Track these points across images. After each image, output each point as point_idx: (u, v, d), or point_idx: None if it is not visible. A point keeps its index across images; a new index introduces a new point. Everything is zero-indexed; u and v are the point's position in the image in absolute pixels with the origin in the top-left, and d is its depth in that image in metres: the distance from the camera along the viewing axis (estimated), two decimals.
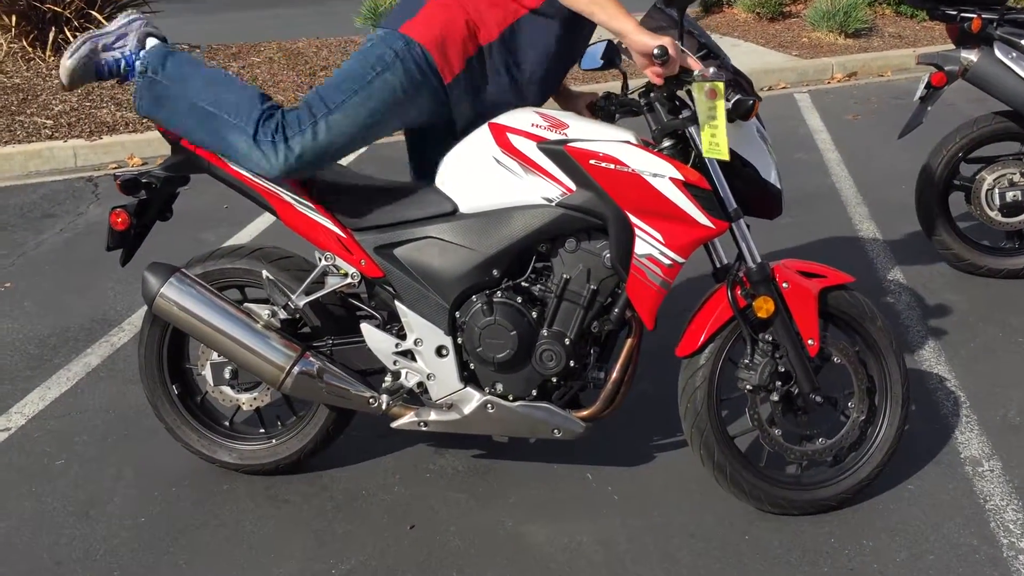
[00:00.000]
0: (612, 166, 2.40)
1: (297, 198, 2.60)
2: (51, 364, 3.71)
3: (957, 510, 2.67)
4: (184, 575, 2.55)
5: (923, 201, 4.13)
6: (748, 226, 2.51)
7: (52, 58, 7.69)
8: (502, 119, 2.50)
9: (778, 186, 2.52)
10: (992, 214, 4.04)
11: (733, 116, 2.35)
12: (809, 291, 2.51)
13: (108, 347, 3.82)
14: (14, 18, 7.72)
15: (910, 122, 4.15)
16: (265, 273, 2.75)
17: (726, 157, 2.31)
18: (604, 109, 2.73)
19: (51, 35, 7.75)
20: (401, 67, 2.45)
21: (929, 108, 4.09)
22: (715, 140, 2.29)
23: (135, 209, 2.73)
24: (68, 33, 7.80)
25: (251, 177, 2.61)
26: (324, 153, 2.48)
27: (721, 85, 2.26)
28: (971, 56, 3.90)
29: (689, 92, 2.38)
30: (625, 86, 2.78)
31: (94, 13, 7.85)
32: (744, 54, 8.59)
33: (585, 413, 2.62)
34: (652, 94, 2.50)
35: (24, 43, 7.80)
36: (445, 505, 2.78)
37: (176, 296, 2.68)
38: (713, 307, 2.56)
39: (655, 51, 2.28)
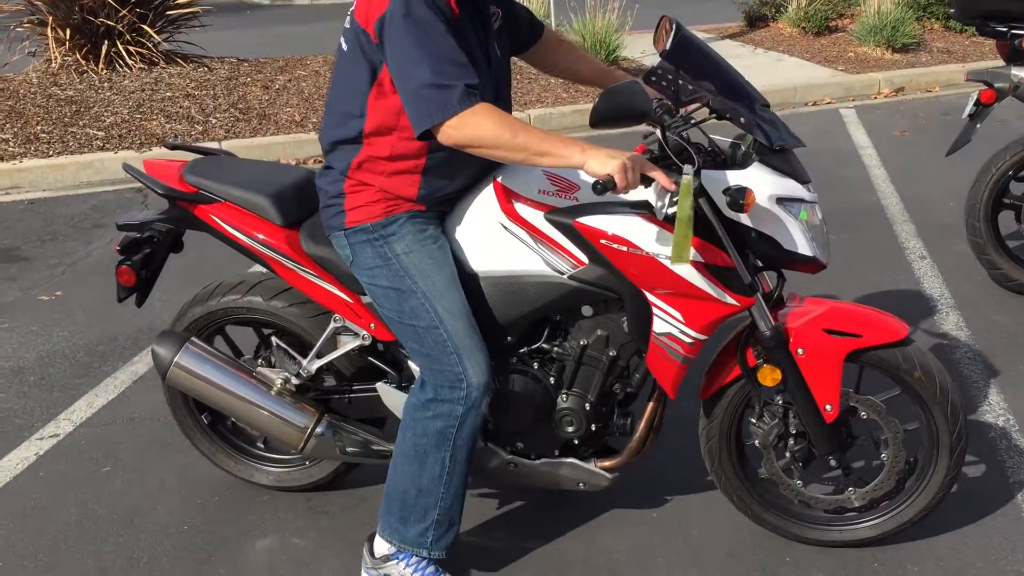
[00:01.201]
0: (624, 248, 2.24)
1: (300, 266, 2.54)
2: (99, 372, 3.78)
3: (1006, 539, 2.61)
4: None
5: (972, 220, 4.07)
6: (759, 283, 2.34)
7: (104, 71, 7.85)
8: (508, 180, 2.34)
9: (806, 253, 2.27)
10: None
11: (737, 205, 2.14)
12: (831, 356, 2.33)
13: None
14: (68, 32, 7.90)
15: (959, 139, 4.09)
16: (275, 340, 2.73)
17: (687, 261, 2.13)
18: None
19: (104, 48, 7.91)
20: (393, 252, 2.32)
21: (978, 126, 4.03)
22: (684, 243, 2.09)
23: (140, 262, 2.71)
24: (120, 47, 7.96)
25: (248, 241, 2.57)
26: (474, 336, 2.32)
27: (688, 182, 2.08)
28: (1022, 73, 3.84)
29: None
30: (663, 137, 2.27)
31: (146, 27, 8.00)
32: (788, 69, 8.52)
33: (610, 464, 2.54)
34: (653, 152, 2.27)
35: (78, 56, 7.97)
36: (481, 521, 2.78)
37: (191, 367, 2.66)
38: (729, 357, 2.46)
39: (596, 186, 2.05)
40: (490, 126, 2.08)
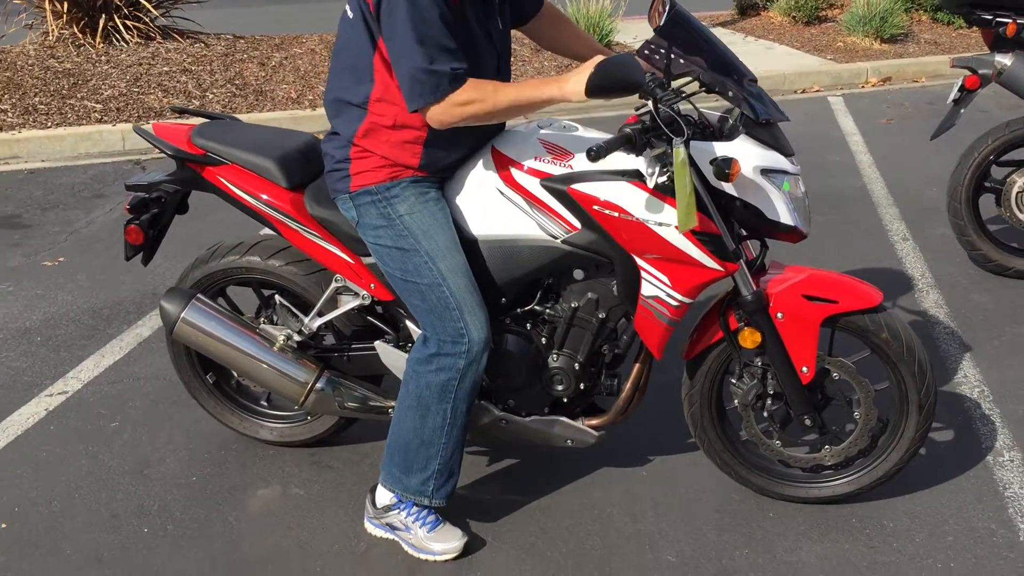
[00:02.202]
0: (615, 213, 2.35)
1: (303, 226, 2.64)
2: (105, 334, 3.87)
3: (976, 496, 2.75)
4: (233, 531, 2.69)
5: (953, 202, 4.20)
6: (747, 262, 2.46)
7: (101, 45, 7.89)
8: (505, 148, 2.46)
9: (788, 223, 2.40)
10: (1021, 216, 4.10)
11: (722, 174, 2.27)
12: (809, 320, 2.46)
13: (158, 320, 3.96)
14: (66, 4, 7.93)
15: (943, 124, 4.22)
16: (277, 299, 2.84)
17: (695, 224, 2.24)
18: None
19: (101, 22, 7.95)
20: (396, 213, 2.43)
21: (962, 111, 4.16)
22: (688, 208, 2.21)
23: (148, 221, 2.82)
24: (117, 21, 8.00)
25: (254, 202, 2.67)
26: (475, 294, 2.43)
27: (680, 151, 2.21)
28: (1005, 60, 3.97)
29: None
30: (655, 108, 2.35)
31: (143, 2, 8.04)
32: (778, 57, 8.65)
33: (597, 422, 2.66)
34: (645, 123, 2.32)
35: (75, 29, 8.00)
36: (477, 477, 2.90)
37: (197, 322, 2.77)
38: (712, 321, 2.59)
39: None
40: (474, 101, 2.24)
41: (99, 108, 6.90)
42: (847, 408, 2.63)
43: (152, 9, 8.13)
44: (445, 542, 2.53)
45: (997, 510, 2.69)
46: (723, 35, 9.80)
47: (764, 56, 8.69)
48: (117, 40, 7.99)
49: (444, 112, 2.26)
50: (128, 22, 8.06)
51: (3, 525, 2.73)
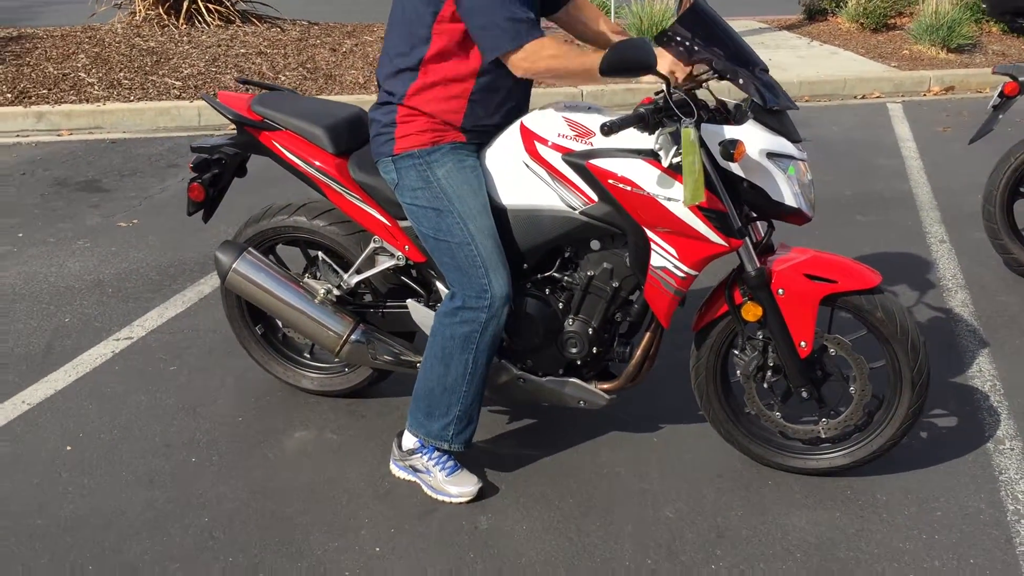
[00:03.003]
0: (629, 188, 2.53)
1: (346, 189, 2.88)
2: (169, 289, 4.18)
3: (971, 478, 2.88)
4: (271, 465, 2.95)
5: (988, 206, 4.28)
6: (752, 232, 2.65)
7: (184, 26, 8.31)
8: (532, 123, 2.65)
9: (792, 204, 2.56)
10: None
11: (728, 155, 2.45)
12: (808, 298, 2.61)
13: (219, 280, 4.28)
14: None
15: (982, 129, 4.30)
16: (320, 255, 3.09)
17: (702, 200, 2.40)
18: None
19: (185, 5, 8.38)
20: (435, 176, 2.64)
21: (1001, 116, 4.25)
22: (697, 185, 2.37)
23: (209, 180, 3.11)
24: (200, 4, 8.41)
25: (304, 165, 2.93)
26: (500, 255, 2.64)
27: (689, 131, 2.39)
28: None
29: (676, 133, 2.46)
30: (668, 90, 2.56)
31: None
32: (841, 62, 8.68)
33: (608, 387, 2.85)
34: (658, 104, 2.49)
35: (160, 11, 8.45)
36: (494, 434, 3.12)
37: (247, 272, 3.04)
38: (719, 295, 2.76)
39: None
40: (555, 54, 2.48)
41: (178, 85, 7.28)
42: (844, 384, 2.78)
43: None
44: (461, 486, 2.75)
45: (989, 492, 2.81)
46: (788, 39, 9.85)
47: (827, 61, 8.73)
48: (199, 22, 8.40)
49: (527, 59, 2.49)
50: (210, 5, 8.47)
51: (69, 448, 3.03)
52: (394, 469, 2.88)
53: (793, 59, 8.79)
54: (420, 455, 2.80)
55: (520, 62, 2.51)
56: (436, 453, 2.78)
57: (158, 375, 3.48)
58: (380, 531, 2.65)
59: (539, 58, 2.49)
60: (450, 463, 2.79)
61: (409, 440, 2.82)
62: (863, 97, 8.01)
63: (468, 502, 2.75)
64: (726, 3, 11.96)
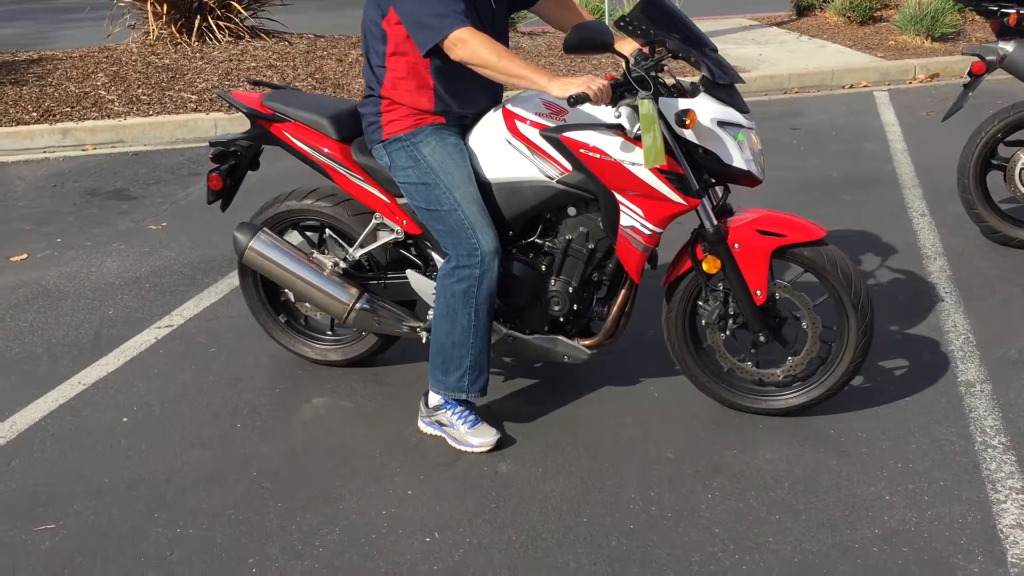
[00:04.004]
0: (598, 155, 2.86)
1: (350, 171, 3.23)
2: (202, 282, 4.50)
3: (944, 416, 3.17)
4: (309, 428, 3.26)
5: (962, 178, 4.58)
6: (712, 196, 3.00)
7: (196, 43, 8.66)
8: (513, 105, 2.98)
9: (742, 167, 2.88)
10: None
11: (681, 122, 2.79)
12: (761, 250, 2.93)
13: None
14: (165, 7, 8.73)
15: (953, 106, 4.62)
16: (328, 232, 3.43)
17: (663, 163, 2.72)
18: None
19: (196, 23, 8.72)
20: (421, 155, 2.98)
21: (971, 93, 4.56)
22: (654, 149, 2.69)
23: (227, 170, 3.46)
24: (211, 21, 8.76)
25: (311, 152, 3.28)
26: (485, 216, 2.96)
27: (646, 103, 2.70)
28: (1008, 47, 4.35)
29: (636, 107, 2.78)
30: (627, 67, 2.85)
31: (235, 4, 8.79)
32: (829, 54, 8.99)
33: (589, 342, 3.17)
34: (618, 79, 2.80)
35: (173, 29, 8.79)
36: (506, 392, 3.42)
37: (262, 250, 3.38)
38: (684, 254, 3.09)
39: (568, 100, 2.68)
40: (480, 48, 2.78)
41: (194, 99, 7.62)
42: (797, 323, 3.10)
43: (242, 11, 8.87)
44: (482, 437, 3.06)
45: (960, 427, 3.10)
46: (777, 34, 10.17)
47: (815, 53, 9.04)
48: (210, 39, 8.75)
49: (457, 46, 2.78)
50: (220, 23, 8.82)
51: (125, 419, 3.35)
52: (422, 425, 3.19)
53: (783, 53, 9.11)
54: (445, 410, 3.10)
55: (449, 49, 2.81)
56: (459, 408, 3.09)
57: (199, 356, 3.79)
58: (411, 477, 2.96)
59: (465, 46, 2.77)
60: (471, 417, 3.09)
61: (434, 398, 3.13)
62: (851, 87, 8.31)
63: (488, 451, 3.06)
64: (720, 4, 12.28)
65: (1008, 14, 4.34)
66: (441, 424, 3.12)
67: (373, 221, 3.32)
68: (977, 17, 9.98)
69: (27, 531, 2.76)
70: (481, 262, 2.94)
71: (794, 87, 8.21)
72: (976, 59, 4.46)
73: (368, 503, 2.84)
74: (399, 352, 3.65)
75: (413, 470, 3.00)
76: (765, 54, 9.08)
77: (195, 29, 8.71)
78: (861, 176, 5.72)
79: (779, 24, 10.69)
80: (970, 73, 4.50)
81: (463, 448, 3.07)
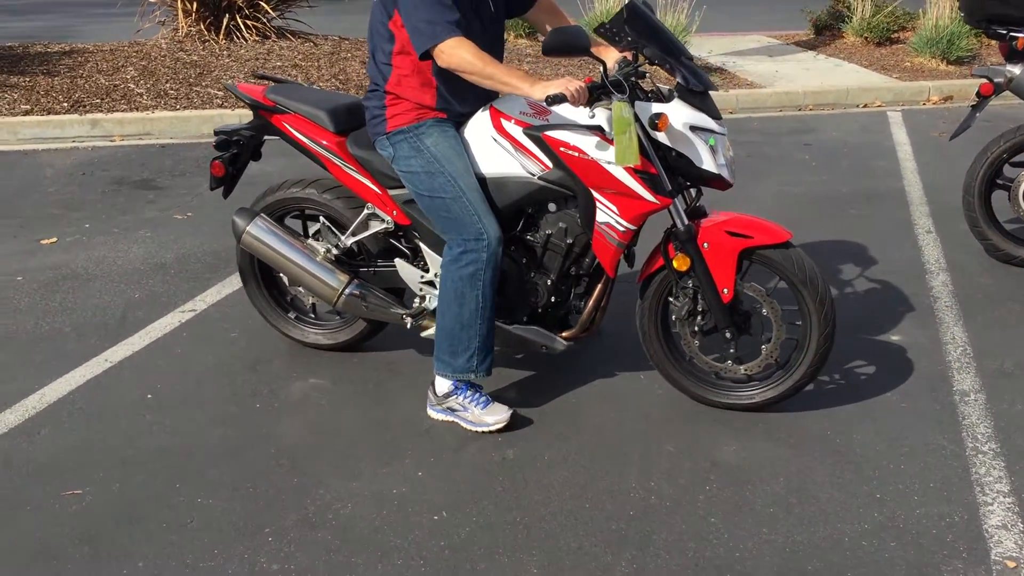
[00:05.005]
0: (576, 154, 3.01)
1: (345, 162, 3.39)
2: (225, 271, 4.65)
3: (937, 422, 3.29)
4: (324, 411, 3.40)
5: (967, 196, 4.69)
6: (686, 197, 3.14)
7: (223, 41, 8.85)
8: (499, 104, 3.14)
9: (712, 170, 3.01)
10: None
11: (653, 125, 2.93)
12: (728, 250, 3.05)
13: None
14: (195, 4, 8.93)
15: (961, 125, 4.73)
16: (322, 219, 3.58)
17: (636, 163, 2.88)
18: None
19: (224, 21, 8.92)
20: (424, 145, 3.13)
21: (978, 114, 4.67)
22: (627, 149, 2.84)
23: (229, 158, 3.62)
24: (239, 20, 8.95)
25: (309, 143, 3.44)
26: (486, 204, 3.11)
27: (621, 106, 2.84)
28: (1015, 70, 4.47)
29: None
30: (604, 71, 3.03)
31: (263, 4, 8.98)
32: (844, 73, 9.11)
33: (567, 334, 3.31)
34: (595, 82, 2.94)
35: (201, 27, 8.99)
36: (520, 384, 3.56)
37: (258, 235, 3.53)
38: (657, 252, 3.23)
39: (546, 99, 2.83)
40: (467, 56, 2.94)
41: (220, 95, 7.80)
42: (761, 322, 3.25)
43: (270, 11, 9.06)
44: (496, 415, 3.20)
45: (952, 433, 3.22)
46: (795, 52, 10.30)
47: (831, 72, 9.16)
48: (237, 37, 8.94)
49: (445, 53, 2.94)
50: (248, 22, 9.01)
51: (149, 396, 3.49)
52: (432, 413, 3.32)
53: (799, 71, 9.23)
54: (455, 396, 3.23)
55: (438, 56, 2.97)
56: (469, 392, 3.22)
57: (221, 339, 3.94)
58: (422, 460, 3.09)
59: (454, 54, 2.94)
60: (483, 398, 3.22)
61: (442, 385, 3.26)
62: (865, 106, 8.42)
63: (502, 429, 3.18)
64: (739, 22, 12.41)
65: (1017, 38, 4.46)
66: (452, 410, 3.25)
67: (365, 211, 3.47)
68: (993, 42, 10.08)
69: (56, 496, 2.90)
70: (488, 246, 3.08)
71: (809, 104, 8.33)
72: (984, 80, 4.58)
73: (380, 482, 2.97)
74: (414, 340, 3.79)
75: (424, 453, 3.13)
76: (781, 71, 9.20)
77: (223, 27, 8.91)
78: (870, 192, 5.84)
79: (797, 43, 10.82)
80: (978, 94, 4.61)
81: (479, 429, 3.20)
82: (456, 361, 3.20)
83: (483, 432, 3.19)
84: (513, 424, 3.23)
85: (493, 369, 3.26)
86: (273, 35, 9.10)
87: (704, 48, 9.72)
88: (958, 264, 4.70)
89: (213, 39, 8.89)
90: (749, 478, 2.99)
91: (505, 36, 3.48)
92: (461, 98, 3.18)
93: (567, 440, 3.20)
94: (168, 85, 7.92)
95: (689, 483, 2.96)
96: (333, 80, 8.26)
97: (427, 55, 2.99)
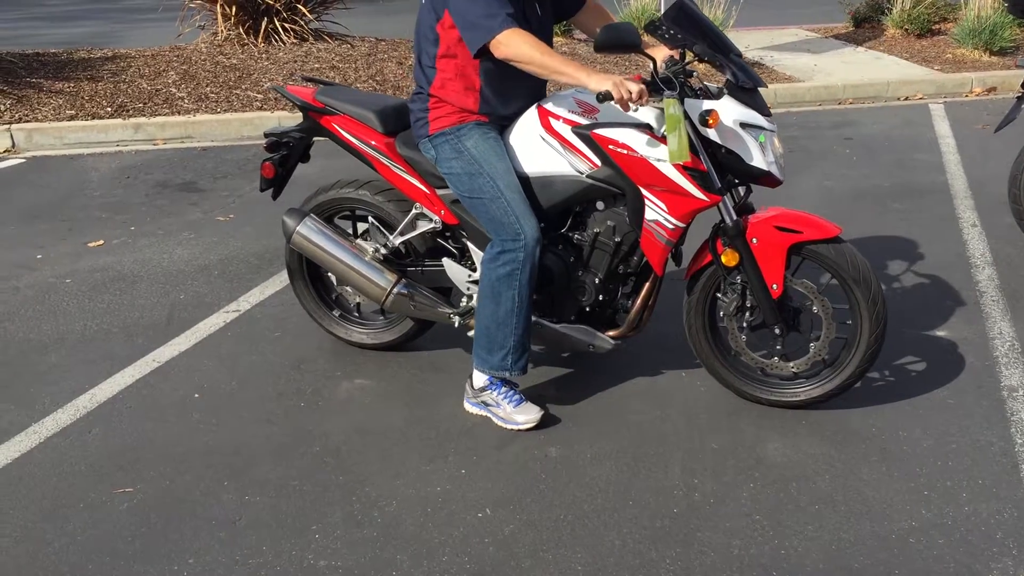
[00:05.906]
0: (626, 151, 3.00)
1: (393, 162, 3.41)
2: (267, 271, 4.71)
3: (985, 418, 3.24)
4: (368, 409, 3.44)
5: (1013, 189, 4.62)
6: (735, 194, 3.13)
7: (262, 44, 8.94)
8: (548, 104, 3.15)
9: (763, 167, 2.99)
10: None
11: (704, 122, 2.93)
12: (777, 245, 3.04)
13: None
14: (234, 8, 9.03)
15: (1006, 117, 4.65)
16: (371, 219, 3.60)
17: (686, 160, 2.88)
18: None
19: (263, 25, 9.01)
20: (465, 147, 3.15)
21: (1023, 106, 4.58)
22: (678, 146, 2.84)
23: (279, 160, 3.67)
24: (277, 24, 9.04)
25: (358, 143, 3.46)
26: (526, 205, 3.12)
27: (672, 102, 2.85)
28: None
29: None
30: (654, 68, 3.04)
31: (300, 7, 9.06)
32: (885, 66, 8.99)
33: (614, 333, 3.31)
34: (645, 80, 2.93)
35: (240, 31, 9.09)
36: (564, 379, 3.56)
37: (307, 235, 3.57)
38: (705, 248, 3.21)
39: (597, 96, 2.84)
40: (525, 46, 2.95)
41: (259, 98, 7.89)
42: (810, 320, 3.21)
43: (307, 13, 9.14)
44: (527, 414, 3.21)
45: (1000, 429, 3.17)
46: (834, 45, 10.19)
47: (871, 65, 9.05)
48: (276, 40, 9.03)
49: (503, 44, 2.94)
50: (286, 25, 9.10)
51: (196, 395, 3.55)
52: (468, 406, 3.34)
53: (838, 64, 9.13)
54: (490, 391, 3.25)
55: (496, 47, 2.96)
56: (503, 388, 3.24)
57: (265, 339, 3.99)
58: (464, 458, 3.11)
59: (511, 44, 2.94)
60: (516, 396, 3.24)
61: (479, 379, 3.28)
62: (906, 99, 8.31)
63: (533, 428, 3.20)
64: (778, 15, 12.30)
65: None
66: (486, 404, 3.27)
67: (413, 211, 3.49)
68: None
69: (107, 493, 2.96)
70: (524, 247, 3.09)
71: (848, 98, 8.24)
72: None
73: (424, 480, 2.99)
74: (456, 340, 3.81)
75: (467, 451, 3.15)
76: (820, 64, 9.11)
77: (262, 31, 9.00)
78: (912, 186, 5.76)
79: (836, 36, 10.70)
80: (1023, 86, 4.54)
81: (509, 426, 3.22)
82: (492, 358, 3.22)
83: (522, 430, 3.21)
84: (551, 421, 3.24)
85: (534, 367, 3.28)
86: (311, 38, 9.17)
87: (742, 43, 9.63)
88: (1004, 257, 4.63)
89: (252, 42, 8.99)
90: (794, 475, 2.97)
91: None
92: (504, 102, 3.20)
93: (609, 437, 3.20)
94: (208, 88, 8.02)
95: (733, 481, 2.95)
96: (370, 81, 8.31)
97: (481, 52, 2.99)
